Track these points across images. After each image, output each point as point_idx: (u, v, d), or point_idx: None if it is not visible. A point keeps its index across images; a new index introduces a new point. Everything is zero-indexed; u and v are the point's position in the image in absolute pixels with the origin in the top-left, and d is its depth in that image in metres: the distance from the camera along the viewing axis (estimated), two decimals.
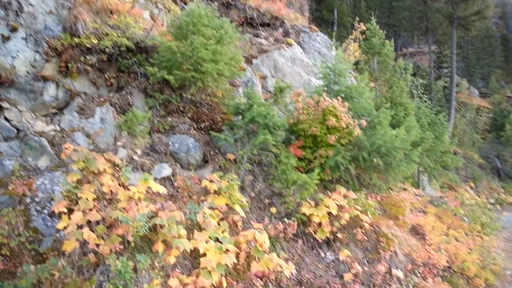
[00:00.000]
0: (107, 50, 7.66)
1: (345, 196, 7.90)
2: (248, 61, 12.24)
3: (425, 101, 16.37)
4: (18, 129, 6.38)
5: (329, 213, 7.36)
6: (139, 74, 8.17)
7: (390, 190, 10.27)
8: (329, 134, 8.04)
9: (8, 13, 6.91)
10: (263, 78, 12.14)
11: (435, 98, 33.80)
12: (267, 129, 7.45)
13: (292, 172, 7.34)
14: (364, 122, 8.31)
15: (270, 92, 11.59)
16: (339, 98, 8.34)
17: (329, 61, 9.82)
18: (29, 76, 6.92)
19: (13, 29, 6.85)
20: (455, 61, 36.70)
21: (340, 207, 7.53)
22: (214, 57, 7.65)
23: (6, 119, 6.35)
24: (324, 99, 8.20)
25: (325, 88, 9.33)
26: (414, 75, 21.67)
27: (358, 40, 16.22)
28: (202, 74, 7.63)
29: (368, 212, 7.91)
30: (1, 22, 6.76)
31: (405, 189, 11.81)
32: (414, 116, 12.48)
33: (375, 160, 8.12)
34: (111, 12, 8.50)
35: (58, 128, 6.86)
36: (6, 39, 6.75)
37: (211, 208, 6.37)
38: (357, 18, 16.70)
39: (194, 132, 8.14)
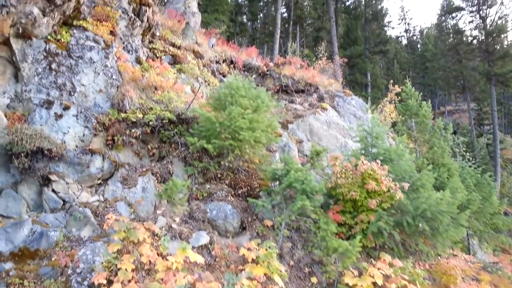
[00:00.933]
0: (151, 123, 8.13)
1: (390, 265, 7.44)
2: (284, 126, 12.50)
3: (468, 160, 15.75)
4: (64, 201, 6.69)
5: (374, 283, 6.90)
6: (179, 144, 8.51)
7: (438, 257, 9.59)
8: (369, 198, 7.80)
9: (62, 93, 7.58)
10: (299, 142, 12.27)
11: (478, 156, 32.43)
12: (305, 194, 7.36)
13: (332, 239, 7.07)
14: (406, 185, 8.03)
15: (306, 155, 11.62)
16: (378, 161, 8.20)
17: (365, 124, 9.82)
18: (78, 149, 7.39)
19: (66, 108, 7.46)
20: (496, 118, 35.56)
21: (386, 277, 7.07)
22: (251, 126, 7.88)
23: (53, 191, 6.71)
24: (363, 162, 8.08)
25: (363, 151, 9.22)
26: (454, 133, 21.11)
27: (393, 101, 16.27)
28: (240, 142, 7.83)
29: (417, 282, 7.37)
30: (55, 102, 7.39)
31: (454, 255, 10.98)
32: (459, 177, 11.95)
33: (420, 225, 7.71)
34: (156, 88, 9.13)
35: (102, 199, 7.13)
36: (59, 117, 7.34)
37: (249, 278, 6.18)
38: (391, 80, 16.90)
39: (232, 198, 8.18)
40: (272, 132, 8.75)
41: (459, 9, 41.11)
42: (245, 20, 50.99)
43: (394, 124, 15.27)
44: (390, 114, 15.66)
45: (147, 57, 11.12)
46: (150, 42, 11.90)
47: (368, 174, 7.93)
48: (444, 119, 38.14)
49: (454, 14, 43.13)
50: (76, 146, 7.42)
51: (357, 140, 9.66)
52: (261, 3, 50.11)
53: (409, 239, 8.46)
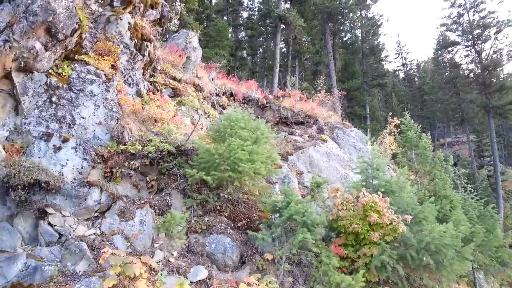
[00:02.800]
0: (150, 155, 8.10)
1: None
2: (284, 158, 12.47)
3: (470, 192, 15.59)
4: (60, 234, 6.54)
5: None
6: (178, 175, 8.43)
7: None
8: (372, 231, 7.65)
9: (61, 126, 7.59)
10: (299, 174, 12.20)
11: (480, 188, 32.26)
12: (306, 227, 7.22)
13: (334, 274, 6.88)
14: (408, 218, 7.91)
15: (306, 187, 11.54)
16: (380, 193, 8.11)
17: (365, 155, 9.78)
18: (76, 182, 7.31)
19: (65, 140, 7.45)
20: (496, 150, 35.58)
21: None
22: (250, 157, 7.85)
23: (49, 224, 6.58)
24: (364, 194, 7.99)
25: (364, 183, 9.14)
26: (455, 165, 21.06)
27: (393, 133, 16.33)
28: (239, 174, 7.77)
29: None
30: (55, 134, 7.38)
31: None
32: (461, 209, 11.80)
33: (424, 258, 7.52)
34: (156, 121, 9.16)
35: (98, 232, 6.99)
36: (57, 149, 7.31)
37: None
38: (390, 112, 17.03)
39: (231, 231, 8.01)
40: (272, 164, 8.70)
41: (455, 43, 42.03)
42: (245, 54, 52.18)
43: (394, 156, 15.25)
44: (390, 146, 15.66)
45: (148, 90, 11.23)
46: (151, 75, 12.07)
47: (369, 206, 7.83)
48: (443, 151, 38.17)
49: (450, 49, 44.01)
50: (74, 179, 7.35)
51: (357, 171, 9.60)
52: (261, 39, 51.42)
53: (413, 273, 8.24)
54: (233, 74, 23.46)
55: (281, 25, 37.67)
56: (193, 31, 23.64)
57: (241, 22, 51.97)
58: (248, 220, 8.31)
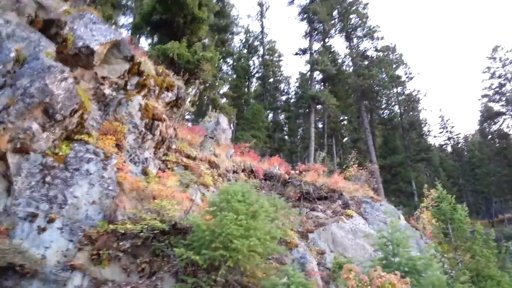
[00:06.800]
0: (141, 234, 7.59)
1: None
2: (304, 236, 11.52)
3: None
4: None
5: None
6: (171, 256, 7.76)
7: None
8: None
9: (52, 206, 7.37)
10: (321, 253, 11.08)
11: None
12: None
13: None
14: None
15: (328, 269, 10.38)
16: (397, 272, 6.91)
17: (385, 230, 8.68)
18: (59, 265, 6.83)
19: (50, 220, 7.16)
20: None
21: None
22: (245, 233, 7.11)
23: None
24: (379, 274, 6.83)
25: (384, 261, 7.95)
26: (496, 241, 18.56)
27: (431, 207, 14.88)
28: (232, 252, 6.98)
29: None
30: (39, 215, 7.14)
31: None
32: None
33: None
34: (154, 198, 8.80)
35: None
36: (42, 230, 7.01)
37: None
38: (425, 185, 15.71)
39: None
40: (272, 241, 7.84)
41: (500, 114, 40.39)
42: (285, 136, 53.37)
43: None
44: (428, 221, 14.13)
45: (159, 168, 11.13)
46: (165, 154, 12.04)
47: None
48: (504, 228, 34.51)
49: (495, 119, 42.22)
50: (58, 262, 6.89)
51: (377, 248, 8.46)
52: (299, 121, 52.61)
53: None
54: (279, 156, 23.40)
55: (315, 105, 38.41)
56: (226, 114, 24.51)
57: (278, 105, 53.80)
58: None
